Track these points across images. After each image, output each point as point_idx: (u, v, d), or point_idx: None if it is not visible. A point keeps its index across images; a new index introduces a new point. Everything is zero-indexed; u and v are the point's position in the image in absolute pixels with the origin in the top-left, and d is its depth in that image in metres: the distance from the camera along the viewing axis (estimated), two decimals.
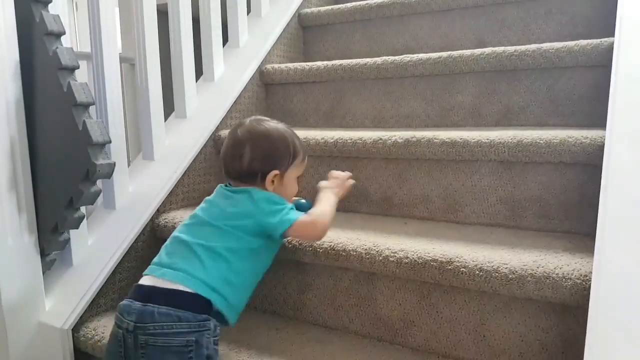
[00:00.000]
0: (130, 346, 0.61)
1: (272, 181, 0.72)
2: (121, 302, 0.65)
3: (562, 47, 0.93)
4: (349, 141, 0.93)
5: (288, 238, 0.75)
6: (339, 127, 1.17)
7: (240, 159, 0.72)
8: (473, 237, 0.76)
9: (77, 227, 0.82)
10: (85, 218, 0.85)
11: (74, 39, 2.62)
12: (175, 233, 0.71)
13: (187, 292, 0.63)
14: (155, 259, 0.69)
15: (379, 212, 0.93)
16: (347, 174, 0.81)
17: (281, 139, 0.73)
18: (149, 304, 0.62)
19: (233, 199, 0.71)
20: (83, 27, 2.58)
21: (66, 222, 0.78)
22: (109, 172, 0.76)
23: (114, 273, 0.87)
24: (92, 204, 0.81)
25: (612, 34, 0.85)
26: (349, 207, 0.95)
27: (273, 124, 0.75)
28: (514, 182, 0.82)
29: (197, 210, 0.73)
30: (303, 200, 0.77)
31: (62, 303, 0.83)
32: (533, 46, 0.96)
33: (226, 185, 0.75)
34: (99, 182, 0.80)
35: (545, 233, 0.78)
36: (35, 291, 0.81)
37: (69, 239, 0.84)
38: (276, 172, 0.72)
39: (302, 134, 0.89)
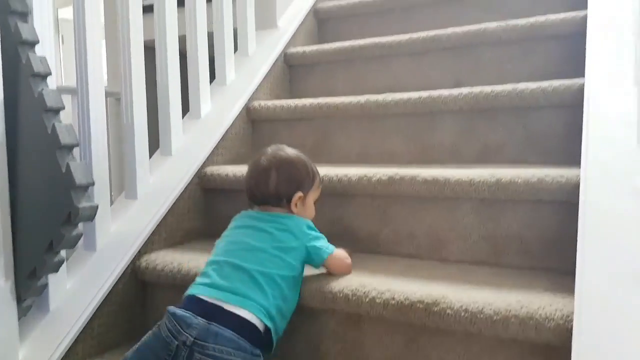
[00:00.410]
0: (181, 359, 0.61)
1: (296, 204, 0.78)
2: (176, 310, 0.64)
3: (537, 87, 0.98)
4: (334, 178, 0.94)
5: (320, 268, 0.77)
6: (325, 163, 1.18)
7: (267, 183, 0.77)
8: (457, 276, 0.76)
9: (56, 271, 0.79)
10: (65, 260, 0.83)
11: (59, 72, 2.62)
12: (221, 257, 0.71)
13: (249, 321, 0.64)
14: (206, 280, 0.69)
15: (365, 250, 0.93)
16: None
17: (302, 163, 0.81)
18: (213, 323, 0.62)
19: (278, 222, 0.74)
20: (68, 59, 2.59)
21: (45, 266, 0.76)
22: (91, 215, 0.75)
23: (92, 318, 0.84)
24: (73, 247, 0.79)
25: (584, 73, 0.90)
26: (335, 245, 0.95)
27: (292, 151, 0.82)
28: (495, 220, 0.83)
29: (235, 234, 0.75)
30: None
31: (38, 351, 0.79)
32: (509, 86, 1.00)
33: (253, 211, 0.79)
34: (80, 224, 0.78)
35: (528, 271, 0.79)
36: (10, 340, 0.77)
37: (47, 284, 0.82)
38: (300, 194, 0.78)
39: None
